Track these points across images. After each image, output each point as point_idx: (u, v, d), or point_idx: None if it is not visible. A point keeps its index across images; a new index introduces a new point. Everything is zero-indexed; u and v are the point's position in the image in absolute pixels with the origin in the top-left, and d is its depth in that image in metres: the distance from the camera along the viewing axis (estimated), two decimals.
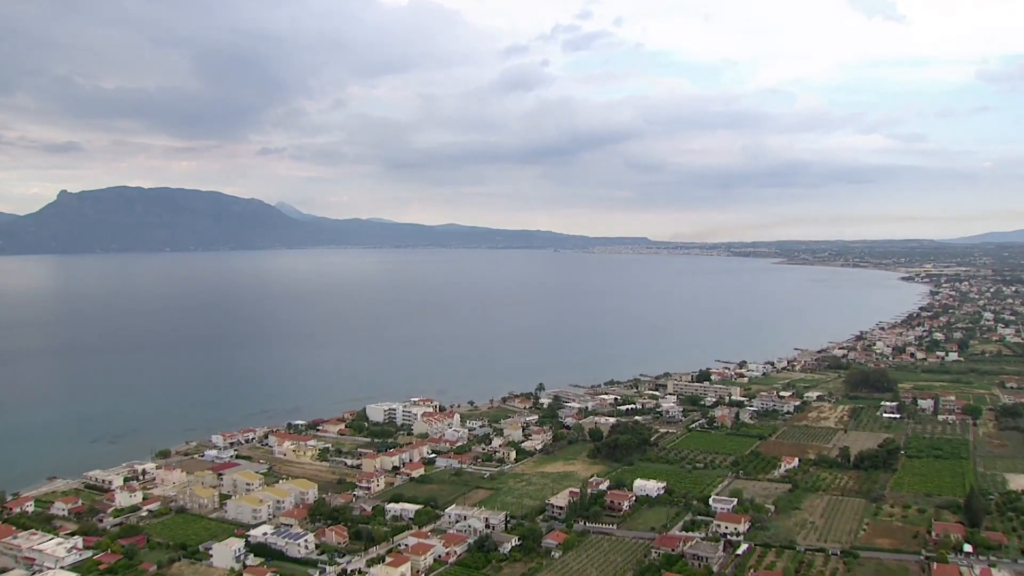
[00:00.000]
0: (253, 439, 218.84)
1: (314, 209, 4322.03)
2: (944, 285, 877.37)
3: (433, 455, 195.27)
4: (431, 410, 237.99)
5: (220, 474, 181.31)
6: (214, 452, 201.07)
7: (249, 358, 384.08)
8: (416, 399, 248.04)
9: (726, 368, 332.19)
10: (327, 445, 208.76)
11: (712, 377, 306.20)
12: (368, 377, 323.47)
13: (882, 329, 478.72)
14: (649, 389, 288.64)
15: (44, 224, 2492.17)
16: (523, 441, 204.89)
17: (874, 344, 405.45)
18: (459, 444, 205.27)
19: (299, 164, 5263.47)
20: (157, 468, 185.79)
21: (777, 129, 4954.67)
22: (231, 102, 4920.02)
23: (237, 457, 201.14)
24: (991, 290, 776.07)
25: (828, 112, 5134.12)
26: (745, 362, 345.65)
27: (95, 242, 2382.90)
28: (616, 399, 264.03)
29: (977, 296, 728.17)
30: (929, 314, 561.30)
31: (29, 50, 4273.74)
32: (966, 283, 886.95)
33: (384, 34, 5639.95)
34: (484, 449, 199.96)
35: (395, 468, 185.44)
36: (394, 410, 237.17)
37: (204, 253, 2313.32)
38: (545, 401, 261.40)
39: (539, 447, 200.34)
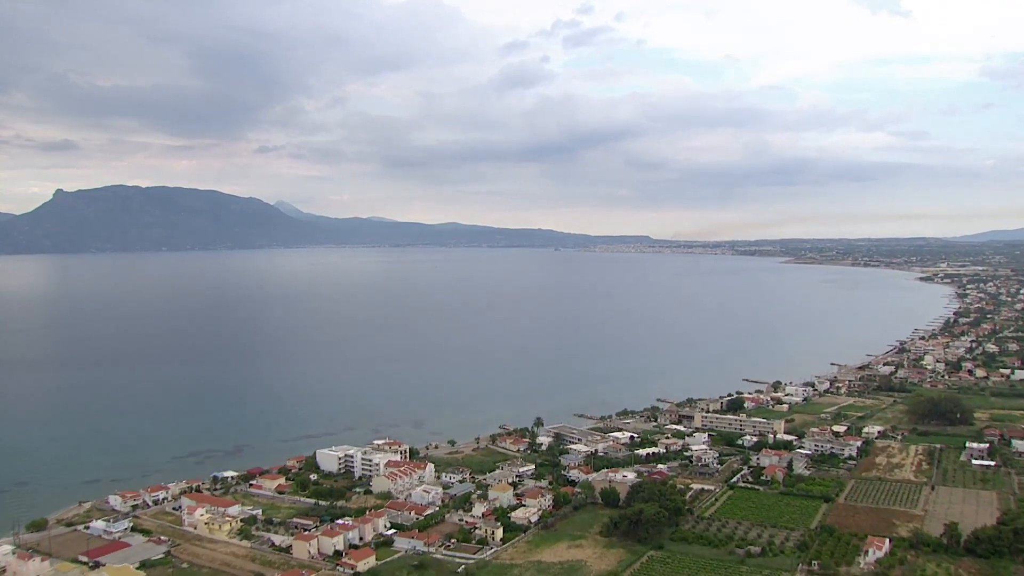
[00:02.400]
0: (165, 499, 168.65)
1: (314, 208, 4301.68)
2: (968, 287, 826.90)
3: (392, 531, 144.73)
4: (398, 457, 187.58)
5: (96, 563, 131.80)
6: (102, 524, 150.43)
7: (202, 377, 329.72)
8: (380, 442, 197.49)
9: (759, 392, 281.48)
10: (256, 511, 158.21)
11: (746, 404, 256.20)
12: (333, 404, 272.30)
13: (923, 339, 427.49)
14: (671, 421, 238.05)
15: (39, 223, 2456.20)
16: (514, 507, 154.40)
17: (922, 358, 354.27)
18: (429, 511, 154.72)
19: (298, 163, 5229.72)
20: (15, 552, 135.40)
21: (779, 126, 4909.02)
22: (229, 100, 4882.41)
23: (134, 530, 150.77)
24: (1021, 292, 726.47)
25: (831, 109, 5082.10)
26: (780, 383, 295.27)
27: (91, 241, 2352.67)
28: (632, 437, 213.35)
29: (1009, 299, 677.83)
30: (968, 320, 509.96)
31: (24, 48, 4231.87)
32: (991, 284, 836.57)
33: (383, 31, 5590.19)
34: (461, 520, 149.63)
35: (337, 553, 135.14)
36: (351, 457, 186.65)
37: (201, 252, 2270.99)
38: (544, 440, 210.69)
39: (535, 517, 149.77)
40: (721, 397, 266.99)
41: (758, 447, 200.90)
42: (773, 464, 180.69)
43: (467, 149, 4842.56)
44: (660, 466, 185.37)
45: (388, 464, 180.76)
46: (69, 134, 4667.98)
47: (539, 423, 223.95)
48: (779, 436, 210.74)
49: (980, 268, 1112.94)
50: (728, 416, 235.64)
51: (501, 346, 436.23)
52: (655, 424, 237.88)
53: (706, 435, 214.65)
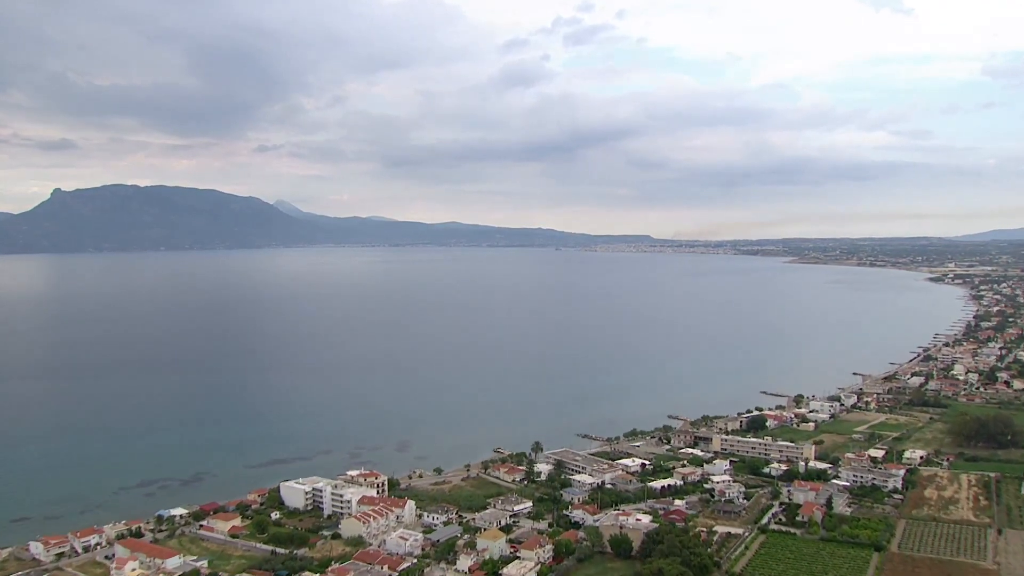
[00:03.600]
0: (98, 544, 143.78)
1: (313, 207, 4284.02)
2: (982, 288, 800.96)
3: None
4: (374, 491, 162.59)
5: None
6: None
7: (170, 388, 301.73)
8: (354, 472, 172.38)
9: (780, 408, 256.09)
10: (200, 562, 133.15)
11: (767, 423, 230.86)
12: (310, 421, 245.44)
13: (947, 346, 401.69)
14: (686, 444, 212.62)
15: (37, 223, 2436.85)
16: (507, 560, 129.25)
17: (951, 367, 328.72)
18: (405, 564, 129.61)
19: (298, 162, 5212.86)
20: None
21: (780, 125, 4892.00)
22: (228, 99, 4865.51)
23: None
24: None
25: (832, 108, 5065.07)
26: (802, 397, 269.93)
27: (89, 241, 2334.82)
28: (644, 465, 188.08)
29: None
30: (991, 325, 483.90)
31: (22, 46, 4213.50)
32: (1004, 285, 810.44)
33: (382, 29, 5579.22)
34: None
35: None
36: (320, 491, 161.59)
37: (200, 252, 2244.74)
38: (543, 469, 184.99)
39: (532, 574, 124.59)
40: (740, 414, 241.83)
41: (788, 477, 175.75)
42: (809, 501, 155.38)
43: (467, 148, 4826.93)
44: (677, 502, 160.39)
45: (362, 500, 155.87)
46: (68, 133, 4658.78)
47: (538, 448, 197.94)
48: (811, 463, 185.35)
49: (989, 268, 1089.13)
50: (751, 439, 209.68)
51: (499, 351, 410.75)
52: (668, 447, 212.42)
53: (727, 462, 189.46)
